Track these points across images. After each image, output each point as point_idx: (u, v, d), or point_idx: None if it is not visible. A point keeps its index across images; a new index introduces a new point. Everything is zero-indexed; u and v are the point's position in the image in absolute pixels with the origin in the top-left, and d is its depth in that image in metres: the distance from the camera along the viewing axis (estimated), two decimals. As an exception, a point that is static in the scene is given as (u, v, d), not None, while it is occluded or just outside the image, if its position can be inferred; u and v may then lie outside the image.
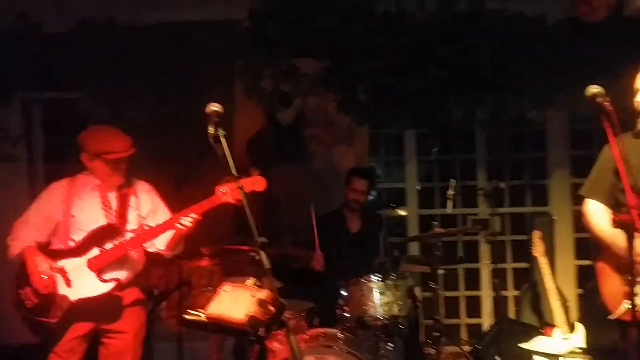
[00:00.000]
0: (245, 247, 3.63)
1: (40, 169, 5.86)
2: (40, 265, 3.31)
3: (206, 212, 3.41)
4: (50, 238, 3.50)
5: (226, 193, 3.28)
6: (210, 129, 2.69)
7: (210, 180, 3.33)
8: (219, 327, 2.58)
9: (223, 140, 2.74)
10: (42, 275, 3.29)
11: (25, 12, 5.35)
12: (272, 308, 2.49)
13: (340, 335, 4.08)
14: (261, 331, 2.50)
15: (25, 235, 3.42)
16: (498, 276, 5.56)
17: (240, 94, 5.55)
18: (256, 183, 3.30)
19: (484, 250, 5.87)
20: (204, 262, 4.62)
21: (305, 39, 5.20)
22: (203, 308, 2.74)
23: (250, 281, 2.67)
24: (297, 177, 5.67)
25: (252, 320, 2.45)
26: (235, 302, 2.54)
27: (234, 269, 4.44)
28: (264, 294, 2.52)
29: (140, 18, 5.39)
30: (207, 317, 2.61)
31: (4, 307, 3.55)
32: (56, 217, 3.48)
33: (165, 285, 5.39)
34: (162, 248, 3.63)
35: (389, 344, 4.20)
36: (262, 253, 2.56)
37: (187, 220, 3.36)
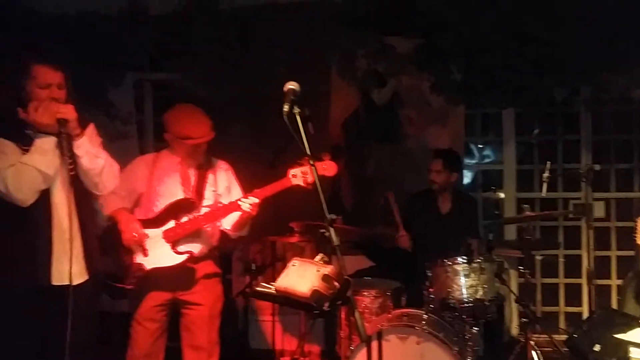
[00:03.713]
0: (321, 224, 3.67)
1: (150, 146, 6.17)
2: (133, 223, 3.52)
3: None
4: (133, 208, 3.70)
5: (297, 176, 3.34)
6: (286, 107, 2.71)
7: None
8: (286, 299, 2.66)
9: (298, 119, 2.73)
10: (133, 233, 3.49)
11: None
12: (336, 284, 2.52)
13: (424, 316, 4.06)
14: (325, 305, 2.53)
15: (113, 202, 3.60)
16: (602, 264, 5.30)
17: (336, 75, 5.60)
18: (327, 168, 3.32)
19: (586, 236, 5.61)
20: (294, 239, 4.78)
21: (398, 16, 5.14)
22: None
23: (319, 257, 2.72)
24: (390, 157, 5.67)
25: (316, 294, 2.51)
26: (301, 277, 2.61)
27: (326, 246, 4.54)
28: (328, 269, 2.57)
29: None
30: (276, 290, 2.70)
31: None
32: (139, 188, 3.67)
33: (262, 261, 5.59)
34: (228, 228, 3.74)
35: (474, 327, 4.14)
36: (331, 229, 2.58)
37: (245, 203, 3.46)
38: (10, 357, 2.94)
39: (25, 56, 3.09)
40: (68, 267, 2.88)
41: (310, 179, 3.31)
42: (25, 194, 2.91)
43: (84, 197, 3.14)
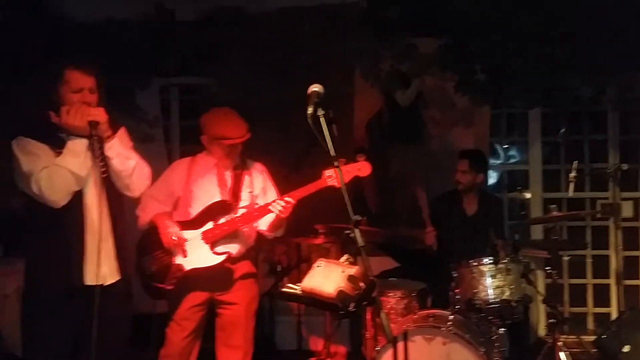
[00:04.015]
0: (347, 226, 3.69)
1: (176, 149, 6.23)
2: (171, 227, 3.59)
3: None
4: (172, 211, 3.76)
5: (331, 176, 3.34)
6: (309, 110, 2.69)
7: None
8: (312, 300, 2.68)
9: (322, 121, 2.71)
10: (172, 237, 3.56)
11: (162, 3, 5.71)
12: (362, 284, 2.54)
13: (450, 317, 4.06)
14: (351, 306, 2.55)
15: (153, 207, 3.69)
16: (630, 264, 5.24)
17: (360, 76, 5.60)
18: (361, 168, 3.34)
19: (614, 236, 5.56)
20: (319, 240, 4.81)
21: (422, 17, 5.14)
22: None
23: (344, 258, 2.74)
24: (414, 158, 5.66)
25: (341, 294, 2.53)
26: (327, 278, 2.63)
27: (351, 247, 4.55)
28: (354, 270, 2.58)
29: (266, 4, 5.59)
30: (302, 291, 2.72)
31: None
32: (177, 192, 3.73)
33: (287, 262, 5.62)
34: (264, 229, 3.78)
35: (501, 328, 4.13)
36: (357, 231, 2.59)
37: (278, 204, 3.49)
38: (44, 357, 3.00)
39: (59, 61, 3.15)
40: (99, 267, 2.94)
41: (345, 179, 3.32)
42: (58, 196, 2.97)
43: (116, 198, 3.19)
